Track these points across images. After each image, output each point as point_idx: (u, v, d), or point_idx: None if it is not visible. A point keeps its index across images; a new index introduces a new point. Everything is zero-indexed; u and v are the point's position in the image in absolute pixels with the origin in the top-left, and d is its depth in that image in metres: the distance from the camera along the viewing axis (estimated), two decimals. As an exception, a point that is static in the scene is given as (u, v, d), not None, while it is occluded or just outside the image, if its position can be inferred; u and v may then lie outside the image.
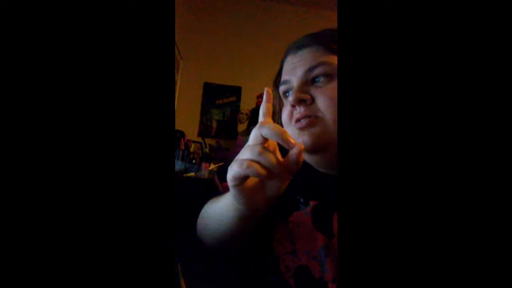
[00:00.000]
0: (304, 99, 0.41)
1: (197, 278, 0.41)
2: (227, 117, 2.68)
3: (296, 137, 0.43)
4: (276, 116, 0.52)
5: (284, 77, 0.46)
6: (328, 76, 0.41)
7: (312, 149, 0.42)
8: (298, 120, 0.42)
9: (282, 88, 0.46)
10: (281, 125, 0.48)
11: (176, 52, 2.27)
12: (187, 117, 2.51)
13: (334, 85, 0.41)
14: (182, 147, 1.95)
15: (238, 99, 2.69)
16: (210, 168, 1.80)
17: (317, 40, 0.43)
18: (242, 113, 2.66)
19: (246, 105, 2.63)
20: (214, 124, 2.66)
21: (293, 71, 0.44)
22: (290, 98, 0.42)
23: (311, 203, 0.43)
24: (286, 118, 0.45)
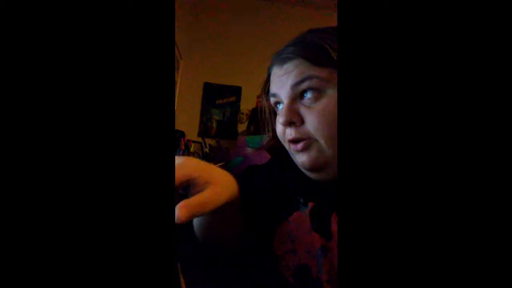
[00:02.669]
0: (293, 122, 0.41)
1: (197, 278, 0.41)
2: (227, 117, 2.69)
3: (294, 155, 0.44)
4: (267, 123, 0.52)
5: (272, 89, 0.45)
6: (316, 90, 0.40)
7: (310, 169, 0.43)
8: (292, 141, 0.42)
9: (272, 100, 0.46)
10: (274, 133, 0.48)
11: (176, 52, 2.27)
12: (187, 117, 2.51)
13: (322, 102, 0.40)
14: (182, 147, 1.95)
15: (238, 99, 2.69)
16: (210, 168, 1.79)
17: (301, 52, 0.42)
18: (242, 113, 2.66)
19: (246, 105, 2.63)
20: (214, 124, 2.66)
21: (280, 85, 0.43)
22: (281, 120, 0.42)
23: (310, 204, 0.43)
24: (280, 133, 0.45)
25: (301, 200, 0.44)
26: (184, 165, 0.31)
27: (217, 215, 0.35)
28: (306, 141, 0.41)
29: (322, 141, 0.40)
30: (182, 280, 0.36)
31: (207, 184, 0.31)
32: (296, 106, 0.42)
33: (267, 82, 0.49)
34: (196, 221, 0.42)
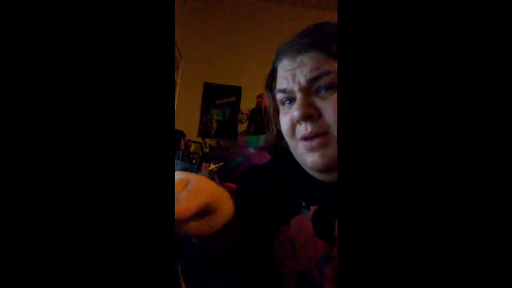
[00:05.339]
0: (311, 115, 0.38)
1: (197, 278, 0.41)
2: (227, 117, 2.68)
3: (304, 154, 0.41)
4: (270, 121, 0.50)
5: (282, 84, 0.42)
6: (333, 85, 0.38)
7: (323, 170, 0.40)
8: (306, 138, 0.39)
9: (280, 96, 0.43)
10: (278, 132, 0.46)
11: (176, 52, 2.27)
12: (187, 117, 2.51)
13: None
14: (182, 147, 1.95)
15: (238, 99, 2.69)
16: (210, 168, 1.80)
17: (317, 44, 0.39)
18: (242, 113, 2.66)
19: (246, 105, 2.63)
20: (214, 124, 2.66)
21: (294, 79, 0.40)
22: (296, 114, 0.39)
23: (312, 207, 0.42)
24: (287, 130, 0.42)
25: (303, 203, 0.43)
26: (203, 192, 0.30)
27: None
28: (322, 138, 0.38)
29: None
30: (182, 280, 0.35)
31: (212, 211, 0.31)
32: (311, 99, 0.39)
33: (270, 77, 0.46)
34: None
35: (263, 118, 0.51)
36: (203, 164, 1.80)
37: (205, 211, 0.30)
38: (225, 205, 0.34)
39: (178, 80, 2.52)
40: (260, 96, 2.29)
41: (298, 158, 0.43)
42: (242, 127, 2.60)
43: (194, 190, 0.29)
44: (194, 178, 0.30)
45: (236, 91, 2.69)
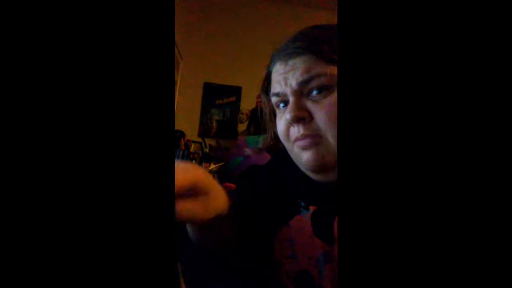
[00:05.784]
0: (302, 117, 0.39)
1: (197, 278, 0.41)
2: (227, 117, 2.68)
3: (298, 155, 0.41)
4: (267, 124, 0.50)
5: (275, 88, 0.43)
6: (324, 88, 0.38)
7: (315, 169, 0.40)
8: (299, 139, 0.40)
9: (274, 100, 0.44)
10: (275, 134, 0.47)
11: (176, 52, 2.27)
12: (187, 117, 2.51)
13: (331, 98, 0.38)
14: (182, 147, 1.95)
15: (238, 99, 2.69)
16: (210, 168, 1.80)
17: (309, 47, 0.39)
18: (242, 113, 2.66)
19: (246, 105, 2.63)
20: (214, 124, 2.66)
21: (286, 82, 0.41)
22: (288, 117, 0.39)
23: (311, 208, 0.42)
24: (283, 133, 0.43)
25: (302, 204, 0.43)
26: (189, 170, 0.30)
27: (205, 226, 0.35)
28: (314, 138, 0.39)
29: (331, 138, 0.38)
30: (182, 280, 0.36)
31: (203, 195, 0.31)
32: (303, 102, 0.40)
33: (266, 80, 0.47)
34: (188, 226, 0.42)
35: (260, 121, 0.52)
36: (203, 164, 1.80)
37: (196, 191, 0.30)
38: (217, 190, 0.34)
39: (178, 80, 2.52)
40: (260, 96, 2.29)
41: (294, 159, 0.43)
42: (242, 127, 2.60)
43: (180, 170, 0.29)
44: (181, 163, 0.31)
45: (236, 91, 2.69)
